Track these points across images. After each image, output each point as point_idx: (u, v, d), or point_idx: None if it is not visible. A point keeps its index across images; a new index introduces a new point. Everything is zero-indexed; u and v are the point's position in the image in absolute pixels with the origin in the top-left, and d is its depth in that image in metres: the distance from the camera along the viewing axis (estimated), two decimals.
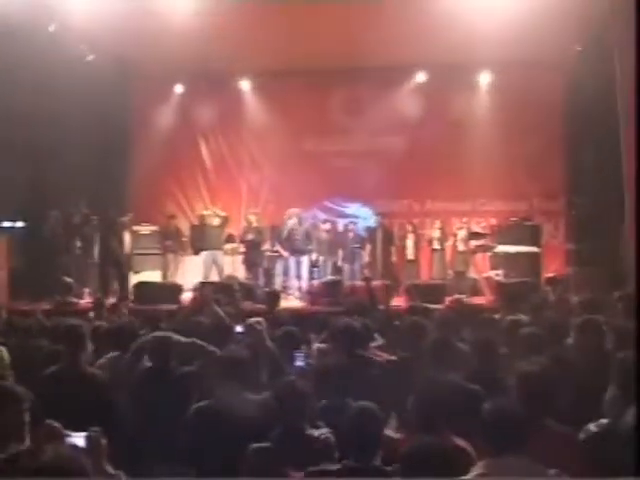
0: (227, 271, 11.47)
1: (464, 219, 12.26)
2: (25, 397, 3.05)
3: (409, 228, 12.24)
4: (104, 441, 2.36)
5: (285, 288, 11.33)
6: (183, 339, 4.40)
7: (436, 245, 12.00)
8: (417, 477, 2.61)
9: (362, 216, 13.12)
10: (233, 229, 12.33)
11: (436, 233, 12.07)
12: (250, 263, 11.61)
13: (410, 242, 12.13)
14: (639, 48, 6.16)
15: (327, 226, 12.27)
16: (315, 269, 11.69)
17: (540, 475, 2.62)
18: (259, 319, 5.01)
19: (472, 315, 5.79)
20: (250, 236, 11.53)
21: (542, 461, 2.66)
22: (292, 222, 11.40)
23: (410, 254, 12.06)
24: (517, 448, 2.66)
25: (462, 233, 11.89)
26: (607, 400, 3.49)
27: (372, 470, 2.77)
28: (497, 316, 6.10)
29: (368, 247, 11.82)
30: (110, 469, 2.36)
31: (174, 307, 8.28)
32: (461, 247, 11.75)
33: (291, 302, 10.52)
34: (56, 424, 2.39)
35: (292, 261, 11.36)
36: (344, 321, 4.76)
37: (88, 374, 4.10)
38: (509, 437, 2.68)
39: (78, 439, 2.31)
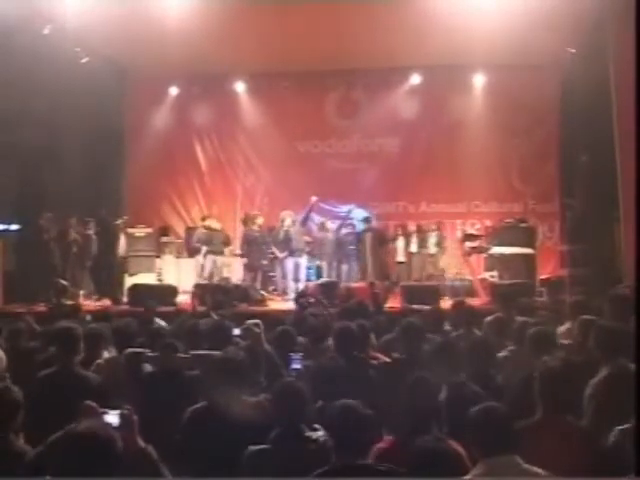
0: (224, 273, 11.45)
1: (459, 221, 12.25)
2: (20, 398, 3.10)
3: (400, 230, 12.24)
4: (135, 417, 2.56)
5: (282, 289, 11.32)
6: None
7: (429, 247, 11.99)
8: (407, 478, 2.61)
9: (357, 218, 13.11)
10: (229, 230, 12.32)
11: (429, 235, 12.08)
12: (249, 265, 11.56)
13: (402, 244, 12.14)
14: (639, 48, 6.17)
15: (324, 224, 12.22)
16: (310, 270, 11.67)
17: (532, 475, 2.62)
18: (257, 321, 4.99)
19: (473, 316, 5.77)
20: (250, 238, 11.47)
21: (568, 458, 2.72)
22: (287, 223, 11.36)
23: (402, 256, 12.06)
24: (508, 448, 2.67)
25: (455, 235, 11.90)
26: (586, 396, 3.52)
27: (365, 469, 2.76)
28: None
29: (362, 249, 11.80)
30: (141, 442, 2.56)
31: (170, 309, 8.27)
32: (455, 249, 11.74)
33: (288, 304, 10.50)
34: (93, 404, 2.57)
35: (290, 263, 11.28)
36: (341, 323, 4.75)
37: (81, 376, 4.08)
38: (498, 438, 2.69)
39: (113, 416, 2.52)
